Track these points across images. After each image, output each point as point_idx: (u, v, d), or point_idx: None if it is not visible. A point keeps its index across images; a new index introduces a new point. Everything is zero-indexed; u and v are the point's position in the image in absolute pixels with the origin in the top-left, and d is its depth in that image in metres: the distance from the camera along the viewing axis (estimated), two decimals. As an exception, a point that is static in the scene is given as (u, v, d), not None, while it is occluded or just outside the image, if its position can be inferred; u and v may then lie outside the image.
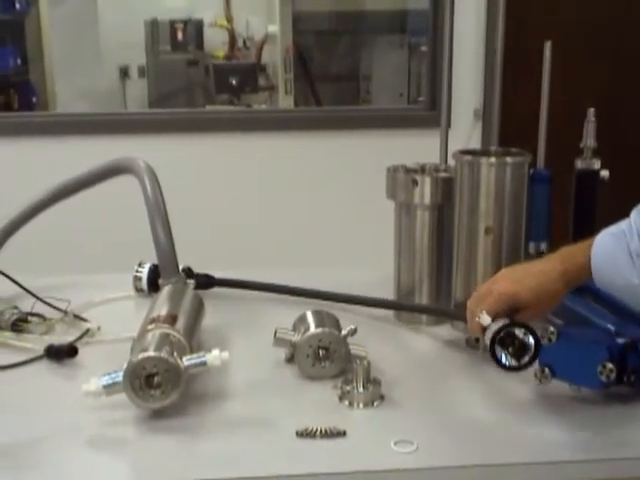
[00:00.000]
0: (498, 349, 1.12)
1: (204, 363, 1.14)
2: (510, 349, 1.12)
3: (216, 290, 1.65)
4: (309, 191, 3.48)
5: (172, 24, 5.20)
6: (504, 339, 1.12)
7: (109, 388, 1.11)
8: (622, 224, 1.16)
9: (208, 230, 3.30)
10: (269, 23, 4.82)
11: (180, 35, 5.22)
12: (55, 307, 1.51)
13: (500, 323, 1.13)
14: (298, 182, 3.47)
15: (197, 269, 1.65)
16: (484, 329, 1.15)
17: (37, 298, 1.53)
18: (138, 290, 1.66)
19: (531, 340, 1.12)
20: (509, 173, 1.40)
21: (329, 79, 5.10)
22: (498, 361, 1.13)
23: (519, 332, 1.12)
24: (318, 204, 3.48)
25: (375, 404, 1.18)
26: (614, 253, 1.13)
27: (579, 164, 1.60)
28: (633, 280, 1.10)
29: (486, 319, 1.15)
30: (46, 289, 1.56)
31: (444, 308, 1.51)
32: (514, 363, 1.13)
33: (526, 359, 1.12)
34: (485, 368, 1.26)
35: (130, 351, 1.18)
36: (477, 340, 1.30)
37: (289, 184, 3.48)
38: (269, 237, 3.42)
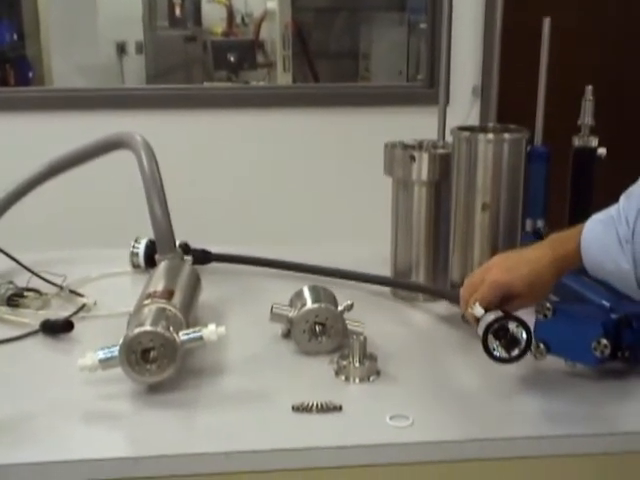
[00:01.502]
0: (491, 340, 1.13)
1: (200, 338, 1.14)
2: (502, 341, 1.13)
3: (213, 265, 1.65)
4: (307, 168, 3.47)
5: (170, 0, 5.16)
6: (497, 331, 1.13)
7: (105, 362, 1.11)
8: (611, 210, 1.16)
9: (205, 206, 3.29)
10: (268, -1, 4.78)
11: (178, 11, 5.17)
12: (51, 282, 1.51)
13: (493, 315, 1.14)
14: (296, 159, 3.46)
15: (194, 244, 1.65)
16: (477, 319, 1.16)
17: (33, 273, 1.53)
18: (135, 266, 1.66)
19: (523, 335, 1.12)
20: (507, 149, 1.40)
21: (328, 56, 5.07)
22: (489, 352, 1.13)
23: (512, 326, 1.12)
24: (316, 181, 3.47)
25: (371, 379, 1.18)
26: (604, 239, 1.13)
27: (576, 142, 1.60)
28: (623, 265, 1.10)
29: (479, 311, 1.15)
30: (42, 264, 1.56)
31: (441, 289, 1.51)
32: (504, 355, 1.13)
33: (516, 352, 1.13)
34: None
35: (126, 326, 1.18)
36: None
37: (287, 161, 3.47)
38: (266, 213, 3.42)
